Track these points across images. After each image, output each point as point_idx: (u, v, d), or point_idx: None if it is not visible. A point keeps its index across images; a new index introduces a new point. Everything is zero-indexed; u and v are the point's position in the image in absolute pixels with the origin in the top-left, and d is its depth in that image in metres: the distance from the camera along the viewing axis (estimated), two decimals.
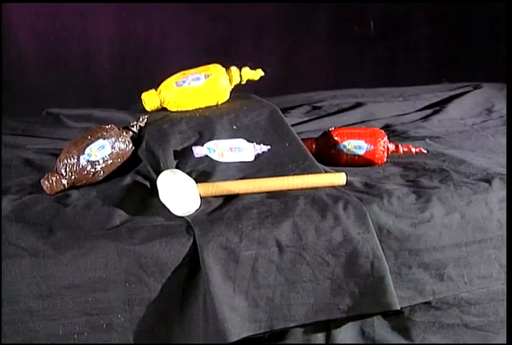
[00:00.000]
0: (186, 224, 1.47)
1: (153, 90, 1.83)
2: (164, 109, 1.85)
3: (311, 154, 1.76)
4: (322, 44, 3.87)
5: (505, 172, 1.76)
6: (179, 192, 1.51)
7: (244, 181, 1.63)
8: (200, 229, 1.45)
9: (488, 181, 1.71)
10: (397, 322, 1.63)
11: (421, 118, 2.36)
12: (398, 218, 1.58)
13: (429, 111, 2.44)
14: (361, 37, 3.88)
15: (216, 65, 1.86)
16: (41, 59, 3.66)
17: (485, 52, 3.54)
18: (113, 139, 1.67)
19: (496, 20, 3.47)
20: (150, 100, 1.82)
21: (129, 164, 1.72)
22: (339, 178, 1.66)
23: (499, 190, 1.69)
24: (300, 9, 3.78)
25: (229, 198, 1.60)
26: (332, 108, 2.43)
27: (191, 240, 1.43)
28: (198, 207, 1.52)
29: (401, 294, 1.57)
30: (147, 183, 1.65)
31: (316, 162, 1.74)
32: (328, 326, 1.57)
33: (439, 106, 2.50)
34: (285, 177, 1.64)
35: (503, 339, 1.70)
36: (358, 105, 2.44)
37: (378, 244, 1.53)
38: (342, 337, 1.58)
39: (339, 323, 1.58)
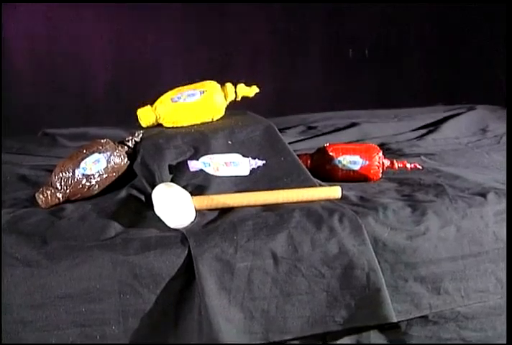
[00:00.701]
0: (181, 236, 1.46)
1: (149, 106, 1.84)
2: (159, 125, 1.85)
3: (306, 169, 1.76)
4: (316, 67, 3.90)
5: (500, 187, 1.77)
6: (174, 205, 1.51)
7: (239, 194, 1.63)
8: (195, 240, 1.44)
9: (483, 195, 1.71)
10: (394, 337, 1.62)
11: (415, 138, 2.38)
12: (393, 230, 1.58)
13: (424, 131, 2.46)
14: (355, 60, 3.91)
15: (211, 81, 1.86)
16: (37, 82, 3.68)
17: (478, 75, 3.57)
18: (108, 153, 1.67)
19: (488, 43, 3.50)
20: (146, 116, 1.83)
21: (124, 179, 1.72)
22: (334, 192, 1.66)
23: (494, 204, 1.69)
24: (294, 33, 3.82)
25: (224, 211, 1.59)
26: (327, 128, 2.44)
27: (186, 251, 1.43)
28: (193, 219, 1.52)
29: (398, 307, 1.56)
30: (142, 197, 1.64)
31: (312, 177, 1.74)
32: (324, 339, 1.55)
33: (433, 126, 2.52)
34: (281, 191, 1.64)
35: None
36: (353, 125, 2.46)
37: (374, 256, 1.53)
38: None
39: (336, 336, 1.56)
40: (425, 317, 1.62)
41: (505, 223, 1.67)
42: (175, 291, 1.42)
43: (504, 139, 2.33)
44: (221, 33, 3.76)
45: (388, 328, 1.60)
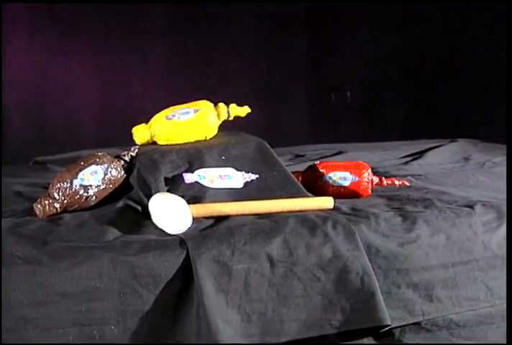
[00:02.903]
0: (179, 239, 1.49)
1: (143, 124, 1.88)
2: (154, 143, 1.89)
3: (298, 182, 1.80)
4: (300, 110, 3.99)
5: (486, 199, 1.81)
6: (171, 211, 1.54)
7: (234, 203, 1.66)
8: (193, 243, 1.47)
9: (471, 206, 1.76)
10: (388, 344, 1.63)
11: (401, 163, 2.43)
12: (385, 237, 1.62)
13: (409, 158, 2.52)
14: (338, 104, 4.02)
15: (204, 100, 1.92)
16: (25, 130, 3.72)
17: (458, 111, 3.67)
18: (105, 165, 1.70)
19: (470, 81, 3.62)
20: (140, 133, 1.87)
21: (120, 192, 1.74)
22: (327, 202, 1.70)
23: (482, 215, 1.73)
24: (279, 77, 3.93)
25: (219, 219, 1.62)
26: (315, 156, 2.49)
27: (184, 253, 1.45)
28: (190, 225, 1.55)
29: (391, 314, 1.58)
30: (139, 207, 1.67)
31: (304, 189, 1.78)
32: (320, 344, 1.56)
33: (418, 155, 2.58)
34: (275, 200, 1.68)
35: None
36: (340, 152, 2.51)
37: (368, 260, 1.56)
38: None
39: (331, 341, 1.57)
40: (418, 324, 1.64)
41: (493, 233, 1.71)
42: (173, 292, 1.44)
43: (488, 164, 2.39)
44: (207, 81, 3.86)
45: (382, 336, 1.62)
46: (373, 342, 1.63)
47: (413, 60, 3.85)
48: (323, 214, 1.64)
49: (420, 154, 2.57)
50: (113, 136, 3.63)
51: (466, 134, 3.06)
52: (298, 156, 2.54)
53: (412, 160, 2.48)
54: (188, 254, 1.45)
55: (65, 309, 1.36)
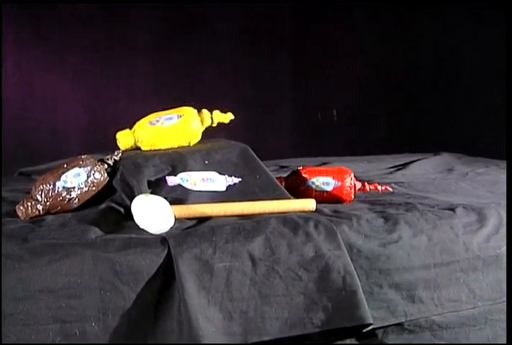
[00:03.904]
0: (161, 237, 1.49)
1: (127, 130, 1.89)
2: (138, 149, 1.90)
3: (281, 185, 1.81)
4: (284, 126, 4.01)
5: (467, 203, 1.83)
6: (153, 210, 1.55)
7: (217, 204, 1.67)
8: (175, 241, 1.47)
9: (452, 209, 1.78)
10: None
11: (385, 174, 2.45)
12: (367, 238, 1.63)
13: (393, 169, 2.53)
14: (324, 122, 4.04)
15: (187, 107, 1.93)
16: (10, 145, 3.71)
17: (441, 126, 3.70)
18: (88, 168, 1.71)
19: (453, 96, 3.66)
20: (124, 139, 1.88)
21: (103, 196, 1.75)
22: (308, 204, 1.72)
23: (463, 217, 1.75)
24: (264, 92, 3.96)
25: (202, 220, 1.63)
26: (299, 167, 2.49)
27: (166, 251, 1.46)
28: (172, 225, 1.55)
29: (374, 314, 1.58)
30: (122, 209, 1.68)
31: (287, 193, 1.79)
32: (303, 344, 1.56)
33: (401, 166, 2.60)
34: (258, 202, 1.69)
35: None
36: (323, 164, 2.53)
37: (349, 260, 1.57)
38: None
39: (314, 341, 1.57)
40: (401, 325, 1.64)
41: (474, 235, 1.72)
42: (155, 289, 1.44)
43: (470, 174, 2.41)
44: (193, 96, 3.87)
45: (365, 337, 1.62)
46: (356, 343, 1.62)
47: (396, 75, 3.89)
48: (305, 215, 1.65)
49: (404, 166, 2.58)
50: (99, 152, 3.64)
51: (449, 149, 3.08)
52: (282, 167, 2.55)
53: (396, 171, 2.49)
54: (169, 252, 1.45)
55: (45, 305, 1.36)
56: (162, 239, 1.48)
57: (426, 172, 2.52)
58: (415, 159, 2.77)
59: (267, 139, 4.01)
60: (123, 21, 3.79)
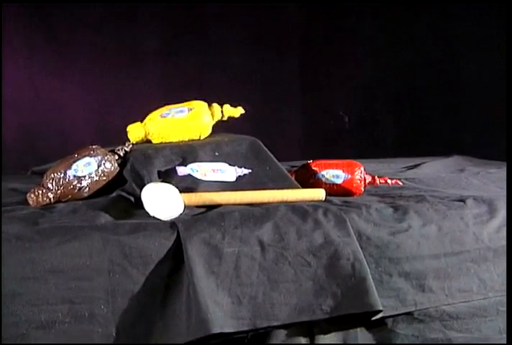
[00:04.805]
0: (170, 222, 1.50)
1: (138, 123, 1.90)
2: (148, 142, 1.91)
3: (291, 176, 1.82)
4: (293, 132, 4.02)
5: (478, 194, 1.82)
6: (163, 197, 1.55)
7: (227, 192, 1.67)
8: (184, 225, 1.48)
9: (462, 201, 1.77)
10: (380, 334, 1.62)
11: (396, 172, 2.44)
12: (376, 226, 1.62)
13: (404, 169, 2.53)
14: (333, 127, 4.04)
15: (198, 101, 1.94)
16: (20, 149, 3.73)
17: (452, 131, 3.70)
18: (99, 158, 1.72)
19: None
20: (135, 131, 1.89)
21: (114, 186, 1.75)
22: (318, 193, 1.72)
23: (473, 208, 1.74)
24: (272, 99, 3.97)
25: (211, 208, 1.63)
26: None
27: (175, 234, 1.46)
28: (181, 211, 1.56)
29: (383, 302, 1.57)
30: (132, 198, 1.68)
31: (296, 183, 1.79)
32: (311, 332, 1.56)
33: (413, 166, 2.59)
34: (267, 191, 1.69)
35: None
36: None
37: (358, 247, 1.56)
38: None
39: (323, 330, 1.56)
40: (411, 314, 1.63)
41: (484, 226, 1.71)
42: (164, 273, 1.44)
43: (482, 173, 2.40)
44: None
45: (374, 325, 1.61)
46: (366, 332, 1.61)
47: (406, 79, 3.89)
48: (314, 203, 1.65)
49: (415, 166, 2.58)
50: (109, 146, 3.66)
51: (461, 154, 3.07)
52: (293, 166, 2.54)
53: (407, 170, 2.49)
54: (178, 236, 1.45)
55: (54, 286, 1.36)
56: (172, 224, 1.48)
57: (437, 171, 2.51)
58: (426, 160, 2.76)
59: (277, 144, 3.99)
60: (132, 27, 3.82)
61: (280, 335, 1.53)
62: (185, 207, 1.58)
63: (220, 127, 1.98)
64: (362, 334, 1.61)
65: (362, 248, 1.58)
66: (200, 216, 1.54)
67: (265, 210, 1.58)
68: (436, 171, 2.52)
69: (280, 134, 4.00)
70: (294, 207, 1.61)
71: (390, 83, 3.92)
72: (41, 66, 3.68)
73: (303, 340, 1.56)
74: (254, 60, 3.95)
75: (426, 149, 3.52)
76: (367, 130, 4.02)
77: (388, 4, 3.79)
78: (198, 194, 1.64)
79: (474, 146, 3.34)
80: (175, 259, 1.45)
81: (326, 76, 4.02)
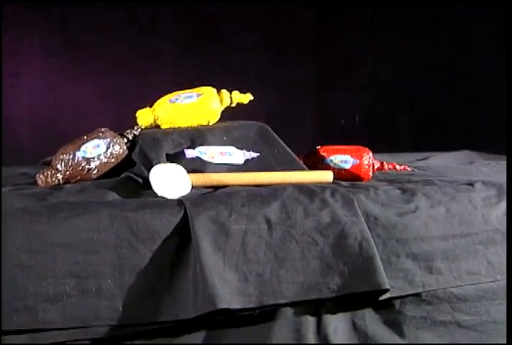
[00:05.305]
0: (178, 200, 1.50)
1: (147, 108, 1.91)
2: (157, 127, 1.92)
3: (299, 160, 1.82)
4: (307, 133, 4.03)
5: (487, 179, 1.82)
6: (170, 177, 1.56)
7: (234, 174, 1.68)
8: (191, 203, 1.48)
9: (471, 184, 1.76)
10: (388, 316, 1.62)
11: (405, 163, 2.44)
12: (384, 207, 1.62)
13: (413, 160, 2.53)
14: (345, 128, 4.05)
15: (207, 87, 1.95)
16: (38, 152, 3.75)
17: (464, 131, 3.69)
18: (108, 140, 1.73)
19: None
20: (144, 116, 1.90)
21: (122, 169, 1.76)
22: (326, 175, 1.72)
23: (481, 191, 1.73)
24: (287, 101, 3.98)
25: (219, 188, 1.64)
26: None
27: (182, 211, 1.46)
28: (189, 191, 1.56)
29: (391, 283, 1.56)
30: (140, 179, 1.69)
31: (305, 166, 1.80)
32: (319, 312, 1.55)
33: (422, 159, 2.60)
34: (275, 172, 1.70)
35: (497, 341, 1.67)
36: None
37: (366, 226, 1.56)
38: (334, 327, 1.56)
39: (330, 310, 1.56)
40: (419, 296, 1.62)
41: (493, 208, 1.71)
42: (170, 250, 1.44)
43: (491, 164, 2.39)
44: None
45: (382, 307, 1.60)
46: (374, 314, 1.61)
47: (420, 83, 3.89)
48: (321, 185, 1.65)
49: (424, 158, 2.58)
50: None
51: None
52: None
53: (416, 161, 2.49)
54: (185, 213, 1.46)
55: (61, 259, 1.37)
56: (179, 201, 1.49)
57: (447, 162, 2.51)
58: (436, 154, 2.76)
59: (291, 148, 4.01)
60: (149, 32, 3.84)
61: (287, 313, 1.52)
62: (193, 187, 1.59)
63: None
64: (369, 315, 1.60)
65: (369, 228, 1.57)
66: (207, 195, 1.54)
67: (273, 190, 1.58)
68: (445, 162, 2.52)
69: (294, 138, 4.00)
70: (301, 187, 1.61)
71: (405, 86, 3.92)
72: (58, 70, 3.71)
73: (310, 319, 1.55)
74: (269, 65, 3.97)
75: (439, 150, 3.53)
76: (380, 132, 4.01)
77: (403, 4, 3.80)
78: (206, 174, 1.65)
79: (489, 147, 3.32)
80: (182, 236, 1.45)
81: (341, 79, 4.02)
